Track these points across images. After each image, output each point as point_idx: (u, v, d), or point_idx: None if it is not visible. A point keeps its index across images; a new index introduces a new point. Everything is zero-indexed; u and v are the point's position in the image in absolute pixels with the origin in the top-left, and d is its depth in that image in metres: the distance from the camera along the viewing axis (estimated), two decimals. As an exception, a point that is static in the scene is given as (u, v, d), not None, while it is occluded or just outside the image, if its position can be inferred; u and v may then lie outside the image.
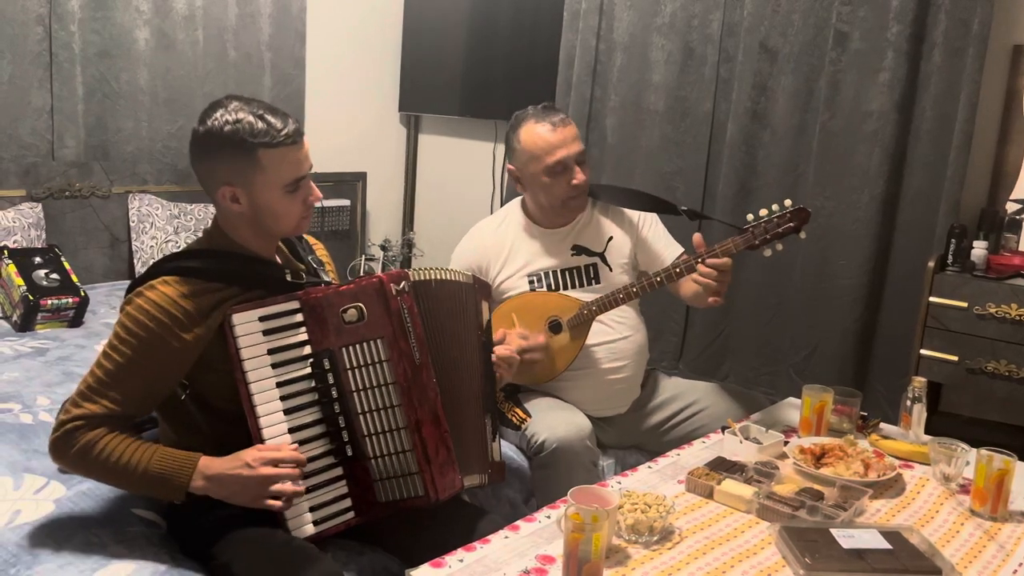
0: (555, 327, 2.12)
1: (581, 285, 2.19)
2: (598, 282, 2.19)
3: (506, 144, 2.21)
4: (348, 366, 1.50)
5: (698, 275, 1.96)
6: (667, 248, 2.24)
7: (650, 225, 2.26)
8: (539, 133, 2.10)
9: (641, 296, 2.12)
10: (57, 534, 1.47)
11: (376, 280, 1.51)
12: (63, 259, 2.85)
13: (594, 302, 2.10)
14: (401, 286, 1.53)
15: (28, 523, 1.50)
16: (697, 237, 1.99)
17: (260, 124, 1.45)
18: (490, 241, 2.23)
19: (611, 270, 2.20)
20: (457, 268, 2.18)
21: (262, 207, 1.50)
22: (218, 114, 1.46)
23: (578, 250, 2.20)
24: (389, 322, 1.50)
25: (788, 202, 1.97)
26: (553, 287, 2.18)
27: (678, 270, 2.02)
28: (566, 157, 2.09)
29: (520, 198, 2.28)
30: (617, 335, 2.18)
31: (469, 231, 2.32)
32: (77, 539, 1.46)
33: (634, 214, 2.26)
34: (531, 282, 2.18)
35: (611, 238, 2.22)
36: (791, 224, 1.94)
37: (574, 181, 2.11)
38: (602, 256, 2.21)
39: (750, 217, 1.98)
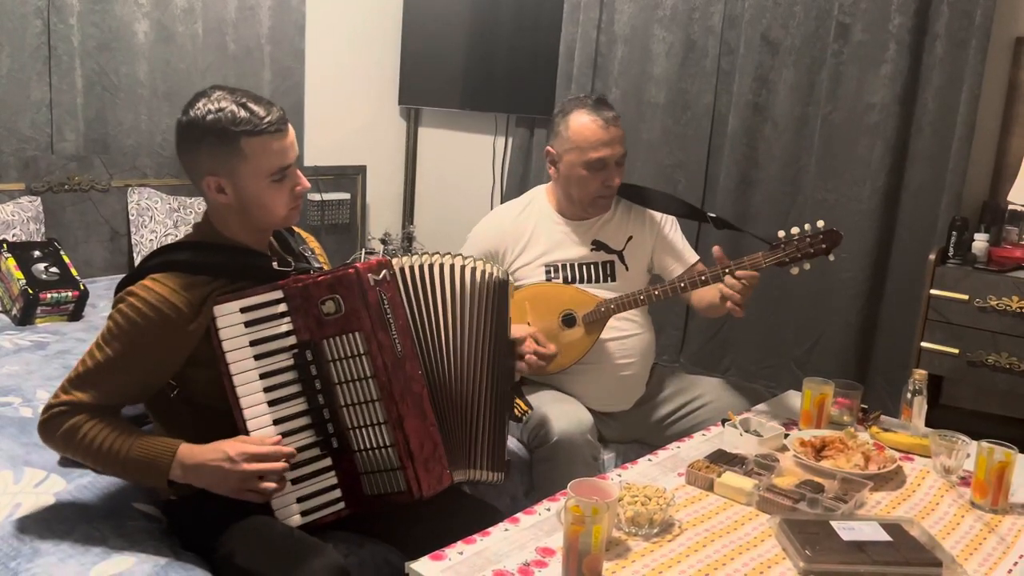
0: (568, 320, 2.11)
1: (597, 281, 2.18)
2: (614, 280, 2.19)
3: (550, 126, 2.20)
4: (330, 358, 1.48)
5: (724, 286, 1.94)
6: (684, 253, 2.25)
7: (670, 228, 2.26)
8: (590, 126, 2.09)
9: (661, 300, 2.10)
10: (57, 527, 1.47)
11: (352, 271, 1.47)
12: (62, 253, 2.84)
13: (612, 300, 2.09)
14: (381, 276, 1.49)
15: (28, 516, 1.49)
16: (717, 249, 1.99)
17: (242, 112, 1.44)
18: (510, 226, 2.21)
19: (627, 269, 2.20)
20: (474, 249, 2.18)
21: (248, 197, 1.49)
22: (201, 104, 1.46)
23: (598, 245, 2.20)
24: (367, 314, 1.47)
25: (821, 223, 1.95)
26: (569, 280, 2.17)
27: (704, 278, 2.00)
28: (609, 156, 2.09)
29: (545, 185, 2.28)
30: (627, 332, 2.17)
31: (490, 213, 2.31)
32: (77, 532, 1.46)
33: (656, 215, 2.25)
34: (548, 272, 2.17)
35: (631, 237, 2.22)
36: (823, 246, 1.93)
37: (609, 182, 2.11)
38: (620, 255, 2.20)
39: (781, 234, 1.97)
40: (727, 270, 1.95)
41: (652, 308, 2.32)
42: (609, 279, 2.19)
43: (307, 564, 1.34)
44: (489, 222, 2.27)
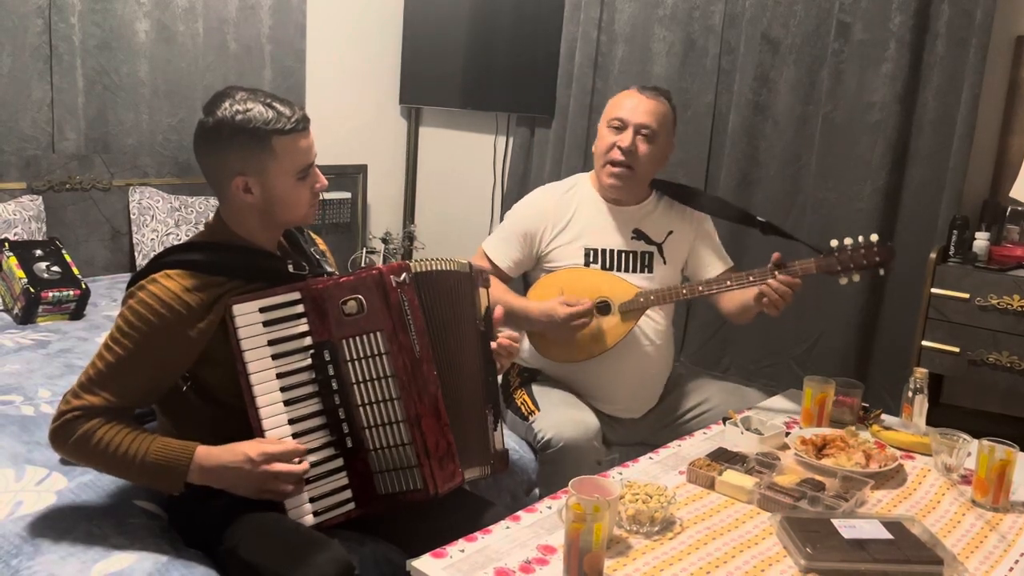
0: (603, 308, 2.09)
1: (634, 271, 2.17)
2: (651, 271, 2.17)
3: None
4: (348, 358, 1.50)
5: (768, 287, 1.94)
6: (719, 259, 2.24)
7: (709, 230, 2.27)
8: (623, 92, 2.18)
9: (703, 297, 2.09)
10: (59, 525, 1.47)
11: (376, 272, 1.51)
12: (64, 252, 2.84)
13: (652, 292, 2.08)
14: (402, 278, 1.52)
15: (30, 514, 1.50)
16: (777, 255, 1.98)
17: (270, 112, 1.46)
18: (552, 205, 2.20)
19: (665, 263, 2.19)
20: (513, 227, 2.18)
21: (275, 196, 1.50)
22: (226, 104, 1.46)
23: (638, 235, 2.18)
24: (388, 315, 1.49)
25: (875, 237, 1.94)
26: (607, 267, 2.15)
27: (751, 278, 1.98)
28: (627, 118, 2.10)
29: (590, 172, 2.27)
30: (649, 343, 2.16)
31: (532, 192, 2.29)
32: (79, 530, 1.46)
33: (698, 215, 2.24)
34: (587, 256, 2.16)
35: (671, 232, 2.21)
36: (877, 259, 1.93)
37: (621, 144, 2.08)
38: (660, 247, 2.19)
39: (834, 243, 1.97)
40: (774, 270, 1.94)
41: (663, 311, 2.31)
42: (646, 270, 2.17)
43: (314, 559, 1.34)
44: (531, 201, 2.24)
